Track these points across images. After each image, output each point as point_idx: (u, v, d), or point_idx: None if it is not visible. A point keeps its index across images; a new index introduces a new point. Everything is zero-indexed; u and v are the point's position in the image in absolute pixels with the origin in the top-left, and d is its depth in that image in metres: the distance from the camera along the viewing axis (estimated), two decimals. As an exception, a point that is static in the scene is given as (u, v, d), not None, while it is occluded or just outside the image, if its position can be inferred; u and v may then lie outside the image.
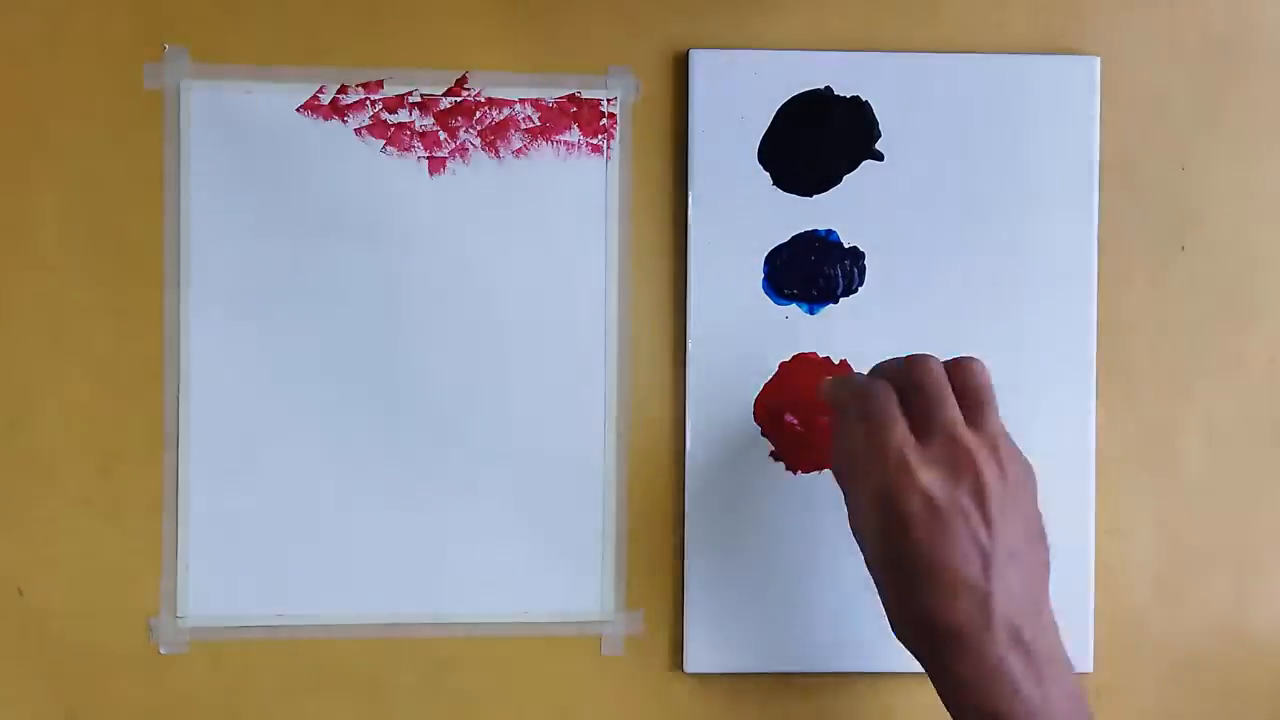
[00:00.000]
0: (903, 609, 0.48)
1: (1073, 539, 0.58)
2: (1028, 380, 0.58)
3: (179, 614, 0.57)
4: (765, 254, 0.57)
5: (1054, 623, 0.48)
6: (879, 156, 0.58)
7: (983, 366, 0.49)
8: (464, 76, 0.57)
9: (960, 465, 0.47)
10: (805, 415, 0.57)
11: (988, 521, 0.46)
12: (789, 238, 0.57)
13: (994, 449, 0.47)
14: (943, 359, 0.50)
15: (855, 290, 0.58)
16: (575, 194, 0.57)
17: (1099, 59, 0.58)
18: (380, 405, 0.57)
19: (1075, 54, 0.58)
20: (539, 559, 0.57)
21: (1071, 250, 0.58)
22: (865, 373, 0.51)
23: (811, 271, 0.57)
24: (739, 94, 0.57)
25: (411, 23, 0.57)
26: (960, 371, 0.49)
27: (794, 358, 0.58)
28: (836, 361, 0.58)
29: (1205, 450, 0.59)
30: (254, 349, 0.56)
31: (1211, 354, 0.59)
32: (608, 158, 0.57)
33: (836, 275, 0.58)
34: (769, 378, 0.57)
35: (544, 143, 0.57)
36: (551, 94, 0.57)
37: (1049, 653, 0.46)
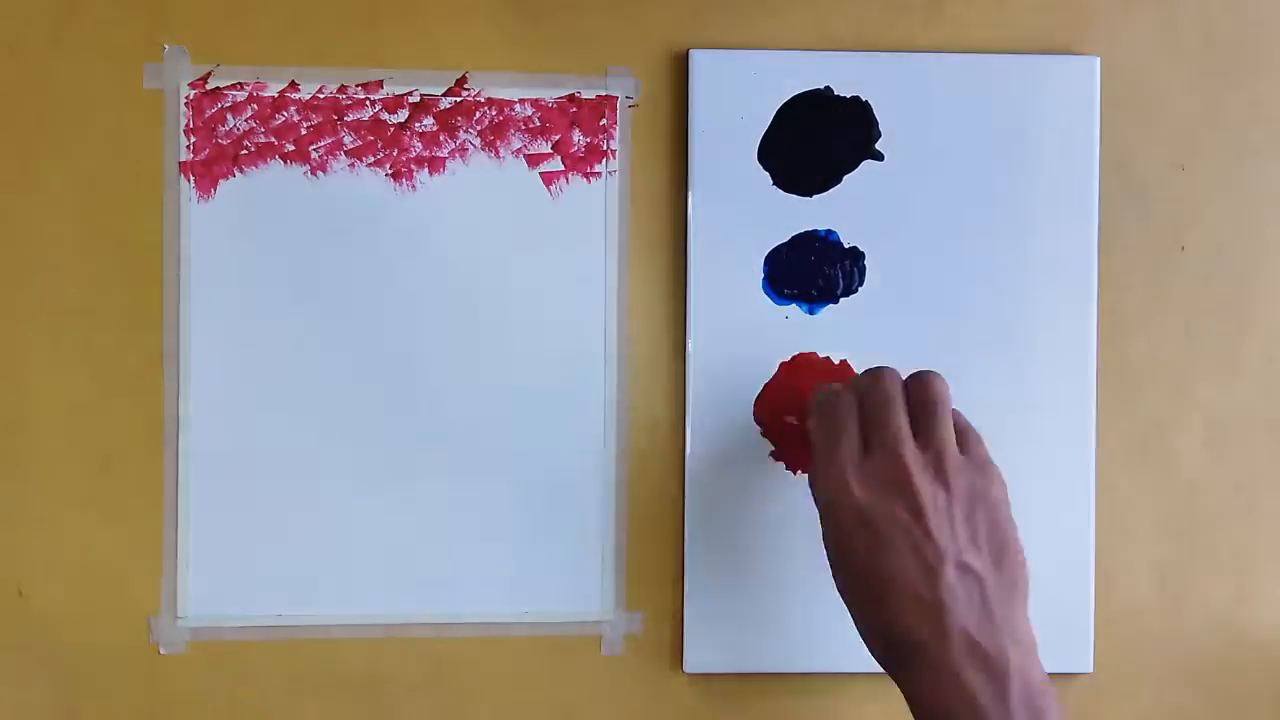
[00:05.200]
0: (863, 621, 0.48)
1: (1073, 539, 0.58)
2: (1028, 380, 0.58)
3: (179, 614, 0.57)
4: (765, 254, 0.57)
5: (1030, 644, 0.47)
6: (879, 156, 0.58)
7: (939, 379, 0.50)
8: (464, 76, 0.57)
9: (896, 480, 0.47)
10: (805, 415, 0.57)
11: (928, 534, 0.46)
12: (789, 238, 0.57)
13: (937, 462, 0.48)
14: (940, 371, 0.50)
15: (855, 290, 0.58)
16: (575, 194, 0.57)
17: (1099, 59, 0.58)
18: (380, 405, 0.57)
19: (1075, 54, 0.58)
20: (539, 559, 0.57)
21: (1071, 250, 0.58)
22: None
23: (811, 271, 0.57)
24: (739, 94, 0.57)
25: (411, 23, 0.57)
26: (915, 384, 0.50)
27: (794, 358, 0.58)
28: (836, 362, 0.58)
29: (1205, 450, 0.59)
30: (254, 349, 0.56)
31: (1211, 354, 0.59)
32: (608, 158, 0.57)
33: (836, 275, 0.58)
34: (769, 378, 0.57)
35: (544, 143, 0.57)
36: (551, 94, 0.57)
37: (1020, 671, 0.45)
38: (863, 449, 0.48)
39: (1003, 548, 0.48)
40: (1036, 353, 0.58)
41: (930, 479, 0.47)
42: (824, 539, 0.49)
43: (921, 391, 0.49)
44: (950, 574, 0.46)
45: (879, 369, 0.50)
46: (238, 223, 0.56)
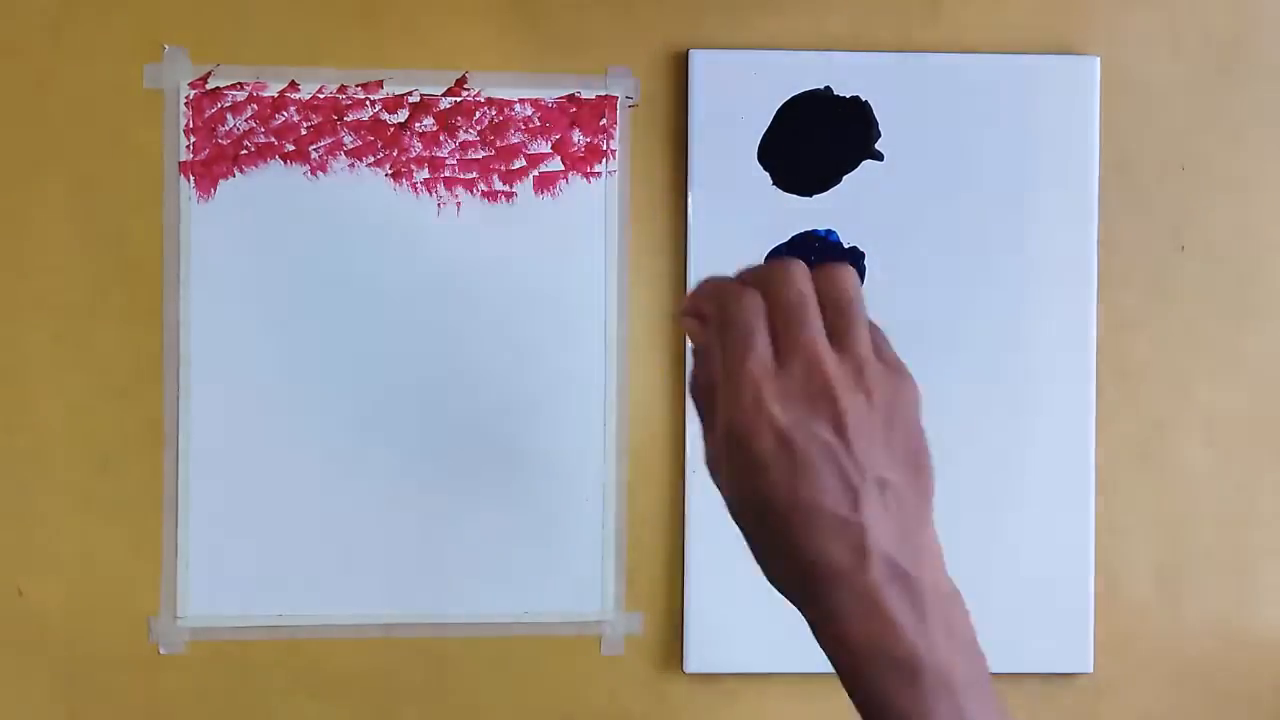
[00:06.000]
0: (771, 555, 0.43)
1: (1073, 539, 0.58)
2: (1028, 380, 0.58)
3: (179, 614, 0.57)
4: (765, 254, 0.57)
5: (938, 553, 0.43)
6: (879, 156, 0.58)
7: (852, 274, 0.44)
8: (464, 76, 0.57)
9: (818, 395, 0.42)
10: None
11: (852, 454, 0.42)
12: (789, 238, 0.57)
13: (859, 372, 0.42)
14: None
15: (855, 290, 0.58)
16: (575, 194, 0.57)
17: (1099, 59, 0.58)
18: (380, 405, 0.57)
19: (1075, 54, 0.58)
20: (539, 559, 0.57)
21: (1071, 250, 0.58)
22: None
23: (811, 271, 0.57)
24: (739, 94, 0.57)
25: (411, 23, 0.57)
26: (825, 281, 0.43)
27: (794, 358, 0.57)
28: (836, 361, 0.57)
29: (1205, 450, 0.59)
30: (254, 349, 0.56)
31: (1211, 354, 0.59)
32: (608, 158, 0.57)
33: (836, 275, 0.57)
34: (769, 378, 0.57)
35: (544, 143, 0.57)
36: (551, 94, 0.57)
37: (934, 586, 0.42)
38: (775, 359, 0.42)
39: (917, 455, 0.43)
40: (1036, 353, 0.58)
41: (853, 389, 0.42)
42: (712, 464, 0.44)
43: (834, 289, 0.43)
44: (872, 492, 0.42)
45: (785, 260, 0.44)
46: (238, 223, 0.56)
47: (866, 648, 0.42)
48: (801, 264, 0.44)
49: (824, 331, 0.43)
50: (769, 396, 0.42)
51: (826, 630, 0.43)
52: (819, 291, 0.43)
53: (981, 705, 0.42)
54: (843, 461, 0.42)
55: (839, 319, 0.43)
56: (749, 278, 0.44)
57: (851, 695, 0.42)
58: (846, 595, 0.42)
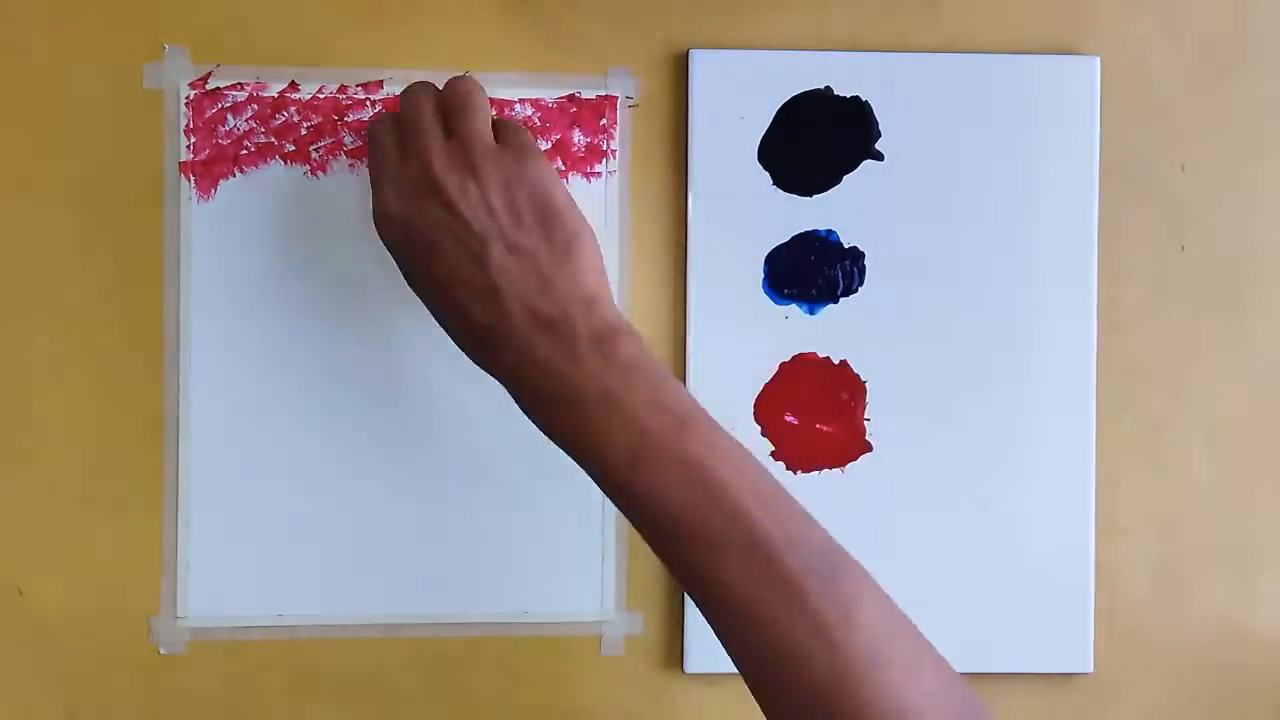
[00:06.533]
0: (445, 323, 0.50)
1: (1073, 538, 0.58)
2: (1028, 380, 0.58)
3: (179, 614, 0.57)
4: (765, 254, 0.57)
5: (593, 292, 0.49)
6: (879, 156, 0.58)
7: (468, 79, 0.52)
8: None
9: (425, 181, 0.49)
10: (805, 415, 0.57)
11: (465, 225, 0.48)
12: (789, 238, 0.57)
13: (465, 153, 0.49)
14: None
15: (855, 290, 0.58)
16: (575, 194, 0.57)
17: (1099, 59, 0.58)
18: (380, 405, 0.57)
19: (1075, 54, 0.58)
20: (539, 559, 0.57)
21: (1071, 250, 0.58)
22: None
23: (811, 271, 0.57)
24: (739, 94, 0.57)
25: (411, 23, 0.57)
26: (446, 89, 0.51)
27: (794, 358, 0.58)
28: (836, 362, 0.58)
29: (1205, 450, 0.59)
30: (254, 349, 0.56)
31: (1211, 354, 0.59)
32: (608, 158, 0.57)
33: (836, 275, 0.58)
34: (769, 378, 0.57)
35: (544, 143, 0.57)
36: (551, 94, 0.57)
37: (587, 322, 0.48)
38: (400, 163, 0.50)
39: (550, 219, 0.49)
40: (1036, 352, 0.58)
41: (458, 171, 0.49)
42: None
43: (449, 94, 0.51)
44: (497, 255, 0.48)
45: (410, 84, 0.52)
46: (238, 223, 0.56)
47: (532, 390, 0.48)
48: (428, 83, 0.52)
49: (435, 131, 0.50)
50: (389, 191, 0.50)
51: (502, 380, 0.49)
52: (444, 99, 0.51)
53: (657, 417, 0.46)
54: (460, 234, 0.48)
55: (451, 114, 0.50)
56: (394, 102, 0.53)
57: (547, 435, 0.48)
58: (500, 348, 0.48)
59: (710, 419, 0.47)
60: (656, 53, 0.58)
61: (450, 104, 0.51)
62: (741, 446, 0.47)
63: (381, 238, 0.51)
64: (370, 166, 0.51)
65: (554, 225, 0.49)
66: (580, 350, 0.47)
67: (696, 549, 0.45)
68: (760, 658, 0.45)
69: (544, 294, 0.48)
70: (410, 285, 0.51)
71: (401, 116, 0.51)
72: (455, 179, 0.49)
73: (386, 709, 0.57)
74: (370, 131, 0.52)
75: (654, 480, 0.45)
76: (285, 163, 0.56)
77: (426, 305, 0.51)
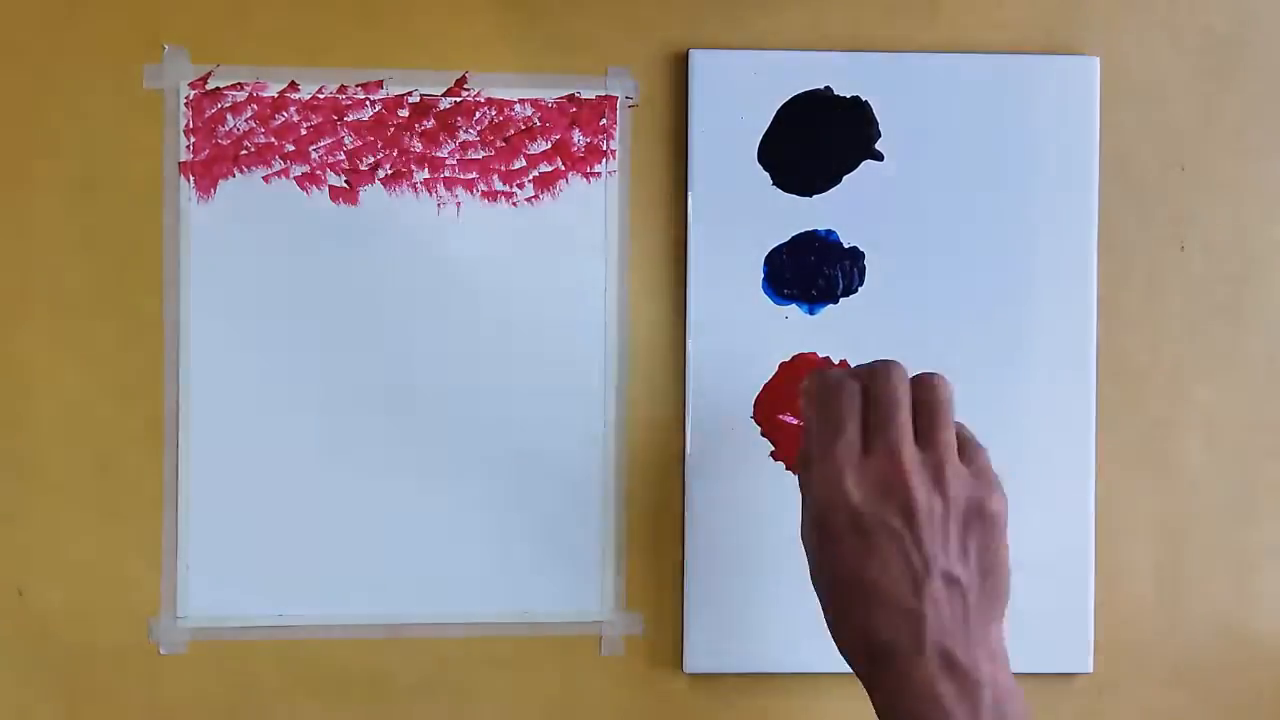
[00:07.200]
0: (839, 625, 0.47)
1: (1073, 539, 0.58)
2: (1028, 380, 0.58)
3: (179, 614, 0.57)
4: (765, 254, 0.57)
5: (1003, 652, 0.46)
6: (879, 156, 0.58)
7: (943, 382, 0.48)
8: (464, 76, 0.57)
9: (892, 483, 0.46)
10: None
11: (918, 543, 0.46)
12: (789, 238, 0.57)
13: (937, 469, 0.47)
14: (946, 375, 0.49)
15: (855, 290, 0.58)
16: (575, 194, 0.57)
17: (1099, 59, 0.58)
18: (380, 405, 0.57)
19: (1075, 54, 0.58)
20: (539, 559, 0.57)
21: (1071, 250, 0.58)
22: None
23: (811, 271, 0.57)
24: (739, 94, 0.57)
25: (411, 23, 0.57)
26: (919, 386, 0.48)
27: (794, 358, 0.58)
28: (836, 361, 0.58)
29: (1205, 450, 0.59)
30: (254, 349, 0.56)
31: (1211, 354, 0.59)
32: (608, 158, 0.57)
33: (836, 275, 0.58)
34: (769, 378, 0.57)
35: (544, 143, 0.57)
36: (551, 94, 0.57)
37: (994, 685, 0.45)
38: (862, 448, 0.47)
39: (993, 563, 0.47)
40: (1036, 352, 0.58)
41: (928, 485, 0.46)
42: (804, 533, 0.48)
43: (926, 393, 0.48)
44: (935, 585, 0.45)
45: (888, 363, 0.48)
46: (238, 223, 0.56)
47: (908, 717, 0.45)
48: (901, 366, 0.48)
49: (911, 430, 0.47)
50: (850, 479, 0.46)
51: (882, 707, 0.46)
52: (915, 395, 0.48)
53: None
54: (908, 549, 0.46)
55: (927, 421, 0.47)
56: (857, 372, 0.49)
57: None
58: (900, 678, 0.45)
59: None
60: (656, 53, 0.58)
61: (924, 403, 0.48)
62: None
63: (817, 518, 0.47)
64: (820, 437, 0.48)
65: (994, 573, 0.47)
66: (983, 712, 0.44)
67: None
68: None
69: (962, 639, 0.45)
70: (814, 574, 0.48)
71: (877, 400, 0.47)
72: (924, 493, 0.46)
73: (386, 709, 0.57)
74: (825, 389, 0.48)
75: None
76: (285, 163, 0.56)
77: (827, 595, 0.48)
